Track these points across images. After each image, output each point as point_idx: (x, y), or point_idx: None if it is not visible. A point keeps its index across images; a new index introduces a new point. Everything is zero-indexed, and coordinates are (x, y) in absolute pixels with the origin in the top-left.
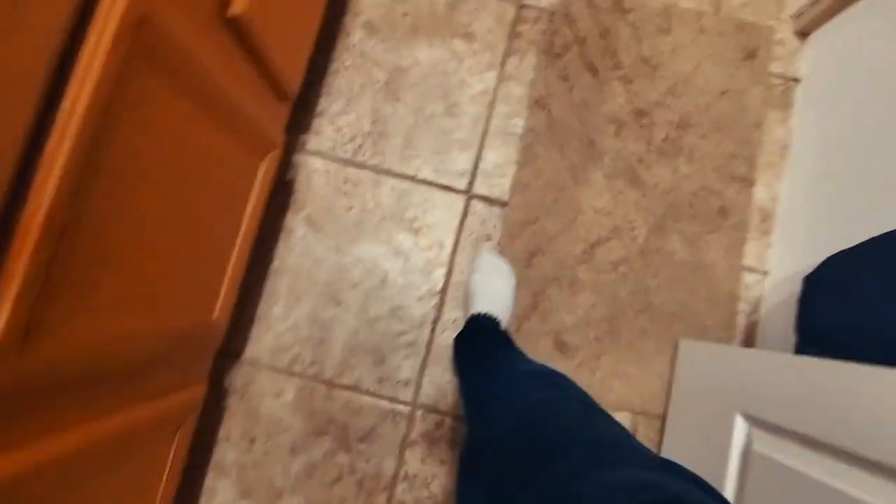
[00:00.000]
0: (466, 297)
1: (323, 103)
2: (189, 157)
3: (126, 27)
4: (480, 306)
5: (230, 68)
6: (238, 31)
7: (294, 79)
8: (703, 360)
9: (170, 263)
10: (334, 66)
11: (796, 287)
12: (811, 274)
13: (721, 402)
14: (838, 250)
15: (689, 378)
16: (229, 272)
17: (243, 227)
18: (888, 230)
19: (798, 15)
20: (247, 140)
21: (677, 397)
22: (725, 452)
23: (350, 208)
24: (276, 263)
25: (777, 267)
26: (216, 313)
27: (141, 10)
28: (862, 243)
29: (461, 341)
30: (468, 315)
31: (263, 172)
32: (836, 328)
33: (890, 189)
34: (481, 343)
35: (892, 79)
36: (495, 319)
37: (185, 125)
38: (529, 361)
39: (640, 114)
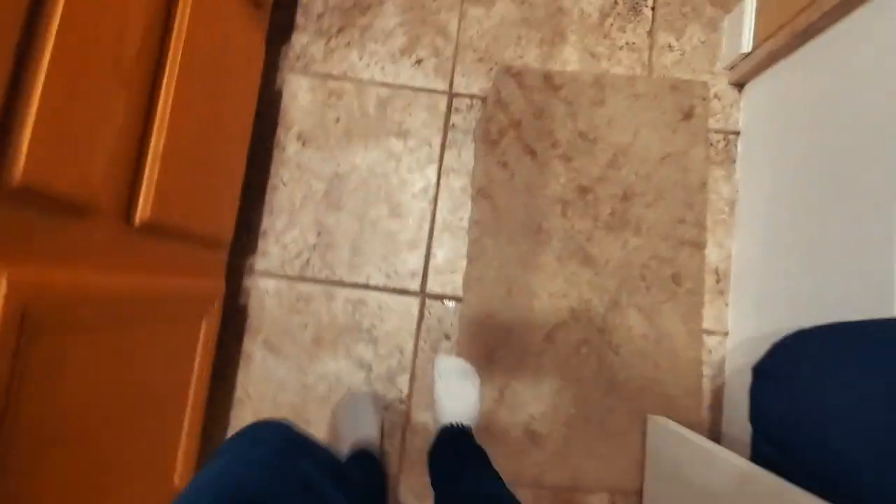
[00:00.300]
0: (434, 406)
1: (266, 222)
2: (118, 369)
3: (6, 329)
4: (448, 416)
5: (152, 263)
6: (151, 230)
7: (225, 230)
8: (669, 442)
9: (114, 468)
10: (272, 182)
11: (757, 347)
12: (759, 364)
13: (688, 495)
14: (788, 324)
15: (659, 457)
16: (185, 433)
17: (193, 384)
18: (835, 321)
19: (732, 67)
20: (181, 315)
21: (650, 475)
22: None
23: (306, 326)
24: (238, 393)
25: (736, 326)
26: (177, 481)
27: (19, 306)
28: (808, 331)
29: (434, 457)
30: (438, 426)
31: (206, 328)
32: (785, 425)
33: (832, 234)
34: (456, 459)
35: (828, 124)
36: (465, 428)
37: (105, 350)
38: (502, 484)
39: (583, 191)
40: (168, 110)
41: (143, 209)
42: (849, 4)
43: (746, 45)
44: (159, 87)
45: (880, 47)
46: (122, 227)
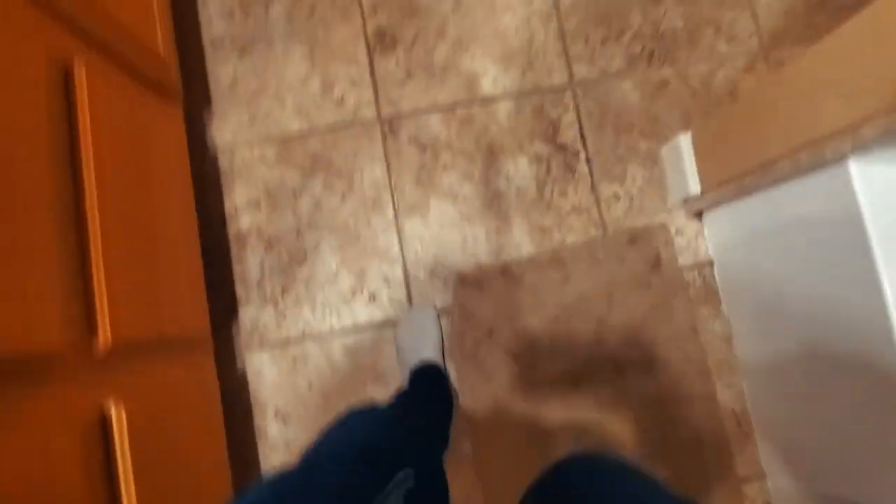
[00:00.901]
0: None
1: None
2: None
3: None
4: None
5: None
6: None
7: None
8: None
9: None
10: (264, 472)
11: (796, 480)
12: None
13: None
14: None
15: None
16: None
17: None
18: None
19: (685, 201)
20: None
21: None
22: None
23: None
24: None
25: (770, 464)
26: None
27: None
28: None
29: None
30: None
31: None
32: None
33: (831, 346)
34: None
35: (792, 254)
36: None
37: None
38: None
39: (576, 380)
40: None
41: None
42: (801, 169)
43: (694, 188)
44: None
45: (833, 211)
46: None
